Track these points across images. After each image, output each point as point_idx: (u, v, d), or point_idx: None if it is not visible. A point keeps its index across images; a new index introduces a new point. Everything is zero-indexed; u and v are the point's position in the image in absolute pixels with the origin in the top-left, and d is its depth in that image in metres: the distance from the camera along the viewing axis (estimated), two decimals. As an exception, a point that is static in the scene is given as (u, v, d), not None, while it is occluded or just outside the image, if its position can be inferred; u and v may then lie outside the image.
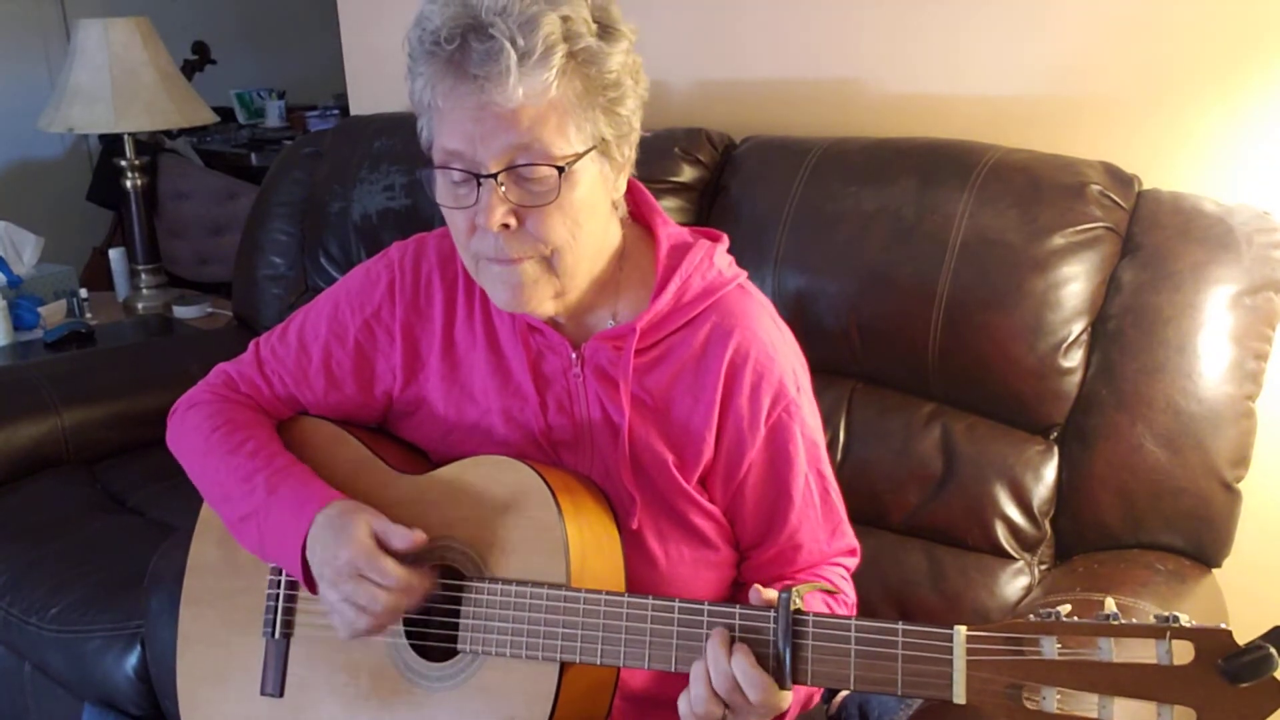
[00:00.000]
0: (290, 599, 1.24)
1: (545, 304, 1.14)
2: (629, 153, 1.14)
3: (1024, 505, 1.55)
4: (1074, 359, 1.52)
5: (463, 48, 1.03)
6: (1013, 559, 1.56)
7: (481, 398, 1.22)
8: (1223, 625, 0.85)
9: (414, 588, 1.11)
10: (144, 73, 2.94)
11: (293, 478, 1.19)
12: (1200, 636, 0.85)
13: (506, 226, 1.07)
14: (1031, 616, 0.91)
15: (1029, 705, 0.88)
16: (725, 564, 1.23)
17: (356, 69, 2.81)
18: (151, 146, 3.96)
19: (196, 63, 4.49)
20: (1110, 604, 0.89)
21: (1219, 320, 1.46)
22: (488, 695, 1.10)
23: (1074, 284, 1.52)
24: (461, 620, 1.12)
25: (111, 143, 3.81)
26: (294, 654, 1.23)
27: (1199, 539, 1.46)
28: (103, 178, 4.35)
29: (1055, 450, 1.55)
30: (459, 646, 1.12)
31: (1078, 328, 1.52)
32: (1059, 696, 0.88)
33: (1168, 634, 0.85)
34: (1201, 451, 1.45)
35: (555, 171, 1.05)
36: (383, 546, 1.12)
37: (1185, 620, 0.86)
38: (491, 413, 1.21)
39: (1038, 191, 1.56)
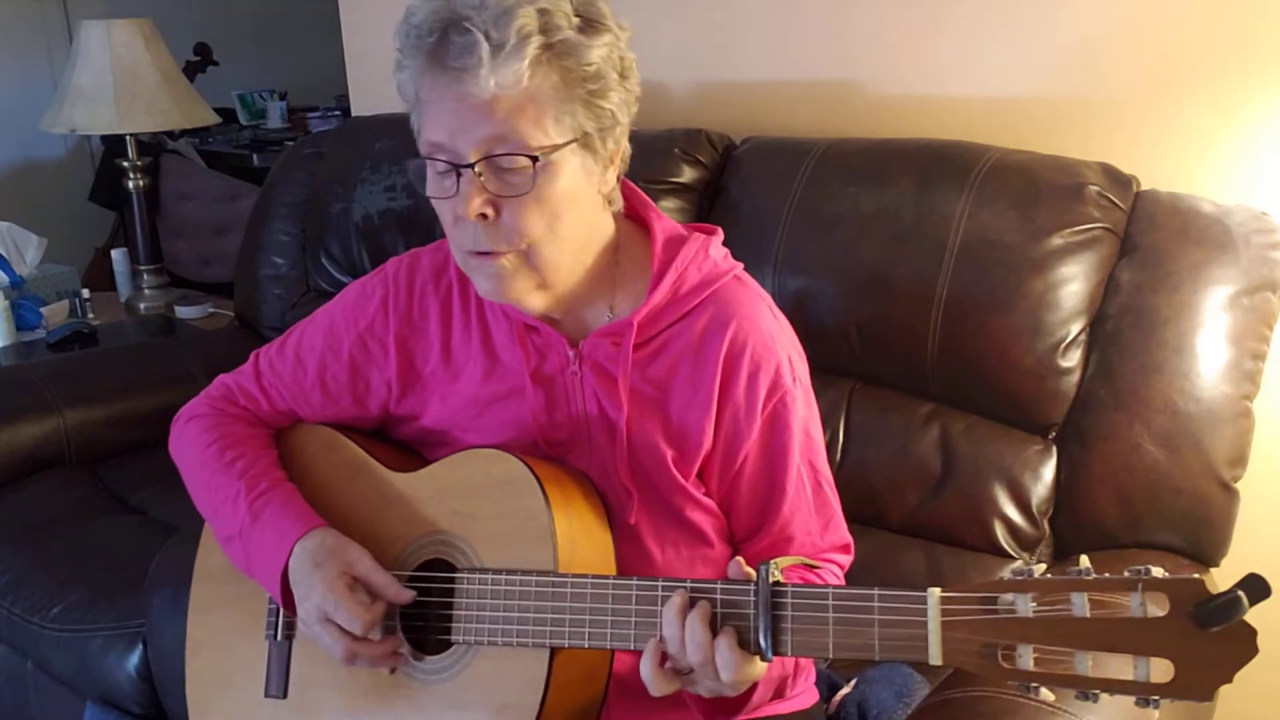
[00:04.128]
0: None
1: (529, 295, 1.14)
2: (614, 146, 1.13)
3: (1022, 505, 1.55)
4: (1072, 359, 1.52)
5: (442, 40, 1.05)
6: (1011, 558, 1.56)
7: (479, 405, 1.22)
8: (1195, 575, 0.84)
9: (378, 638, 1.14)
10: (146, 74, 2.94)
11: (275, 503, 1.20)
12: (1173, 587, 0.84)
13: (484, 217, 1.08)
14: (1006, 575, 0.90)
15: (1005, 665, 0.88)
16: (721, 560, 1.23)
17: (358, 70, 2.82)
18: (154, 147, 3.98)
19: (199, 64, 4.50)
20: (1084, 560, 0.88)
21: (1217, 320, 1.46)
22: (481, 685, 1.11)
23: (1072, 284, 1.52)
24: (454, 612, 1.13)
25: (114, 144, 3.82)
26: (296, 655, 1.24)
27: (1197, 539, 1.47)
28: (105, 178, 4.36)
29: (1054, 450, 1.55)
30: (452, 638, 1.13)
31: (1076, 328, 1.52)
32: (1036, 654, 0.87)
33: (1140, 586, 0.84)
34: (1199, 451, 1.45)
35: (531, 162, 1.06)
36: (370, 591, 1.14)
37: (1158, 572, 0.85)
38: (490, 419, 1.22)
39: (1036, 192, 1.56)
